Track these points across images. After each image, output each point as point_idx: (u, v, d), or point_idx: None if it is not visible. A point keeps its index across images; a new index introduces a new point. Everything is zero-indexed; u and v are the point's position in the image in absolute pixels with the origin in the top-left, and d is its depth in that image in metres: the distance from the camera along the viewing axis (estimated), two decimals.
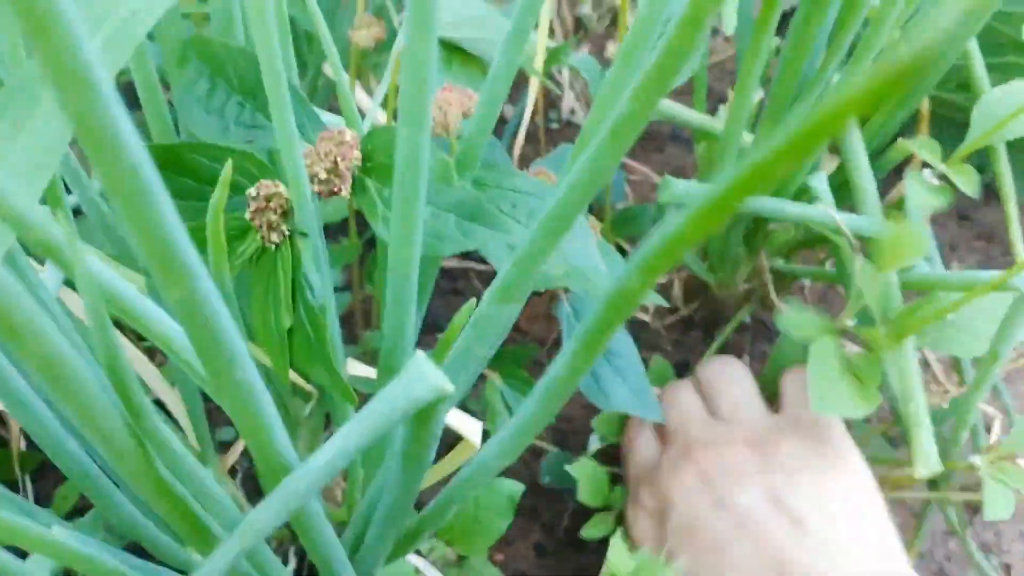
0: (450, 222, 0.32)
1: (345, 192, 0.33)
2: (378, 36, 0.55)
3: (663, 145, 0.80)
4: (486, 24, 0.42)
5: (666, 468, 0.52)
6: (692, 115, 0.59)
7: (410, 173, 0.28)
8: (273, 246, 0.34)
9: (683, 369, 0.66)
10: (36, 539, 0.26)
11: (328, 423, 0.51)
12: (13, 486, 0.56)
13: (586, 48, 0.84)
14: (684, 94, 0.73)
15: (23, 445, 0.56)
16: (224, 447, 0.58)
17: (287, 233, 0.34)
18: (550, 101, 0.81)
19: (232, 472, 0.59)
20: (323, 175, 0.33)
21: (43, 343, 0.19)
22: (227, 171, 0.29)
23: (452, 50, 0.44)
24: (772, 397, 0.56)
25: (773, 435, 0.50)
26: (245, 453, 0.58)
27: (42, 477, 0.57)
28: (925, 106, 0.60)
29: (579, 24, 0.81)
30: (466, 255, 0.73)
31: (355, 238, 0.59)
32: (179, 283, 0.20)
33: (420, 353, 0.26)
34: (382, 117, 0.51)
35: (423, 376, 0.26)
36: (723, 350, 0.66)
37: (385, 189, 0.33)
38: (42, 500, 0.56)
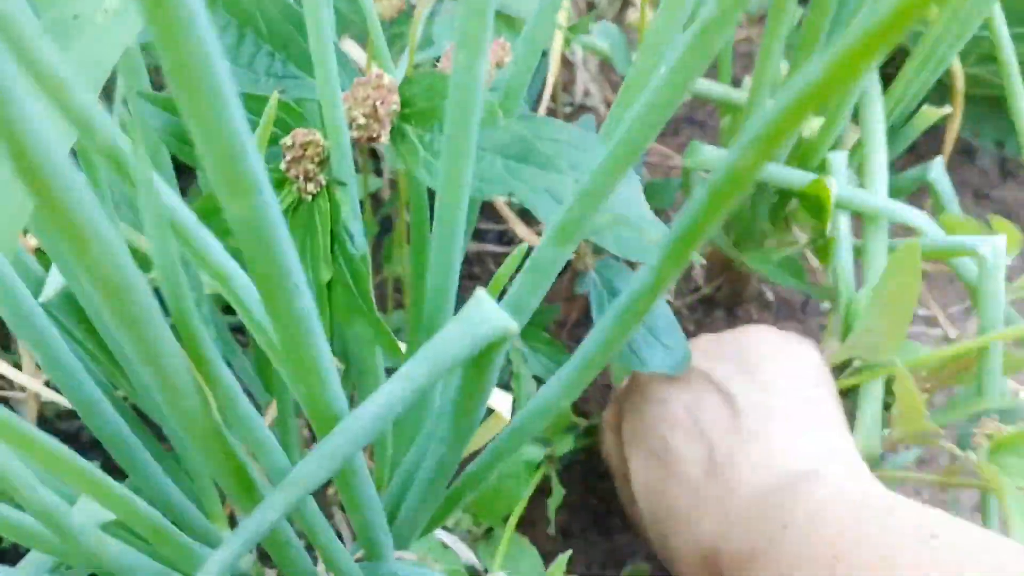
0: (497, 164, 0.30)
1: (384, 138, 0.32)
2: (399, 6, 0.54)
3: (679, 127, 0.79)
4: None
5: (624, 382, 0.53)
6: (716, 88, 0.58)
7: (462, 108, 0.27)
8: (310, 197, 0.33)
9: None
10: (92, 482, 0.25)
11: (353, 403, 0.50)
12: None
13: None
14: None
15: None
16: None
17: (324, 183, 0.33)
18: (562, 84, 0.80)
19: None
20: (361, 120, 0.32)
21: (105, 248, 0.18)
22: (271, 109, 0.27)
23: None
24: None
25: (736, 329, 0.50)
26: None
27: None
28: (959, 81, 0.59)
29: (591, 7, 0.81)
30: (482, 238, 0.72)
31: (371, 217, 0.58)
32: (243, 195, 0.19)
33: (480, 290, 0.25)
34: None
35: (485, 314, 0.25)
36: None
37: (426, 135, 0.32)
38: None
